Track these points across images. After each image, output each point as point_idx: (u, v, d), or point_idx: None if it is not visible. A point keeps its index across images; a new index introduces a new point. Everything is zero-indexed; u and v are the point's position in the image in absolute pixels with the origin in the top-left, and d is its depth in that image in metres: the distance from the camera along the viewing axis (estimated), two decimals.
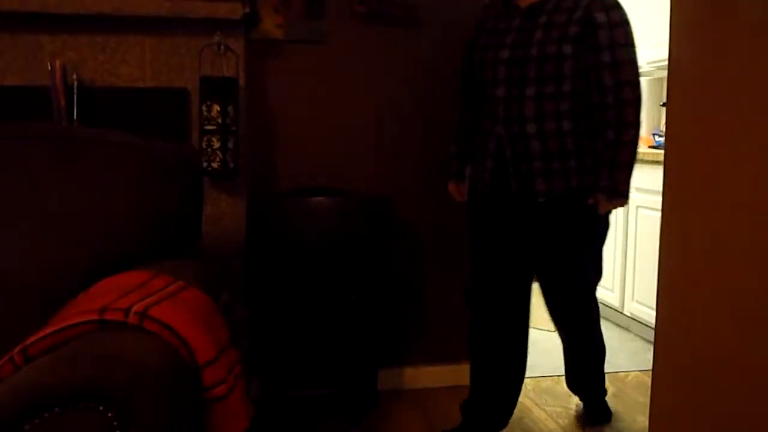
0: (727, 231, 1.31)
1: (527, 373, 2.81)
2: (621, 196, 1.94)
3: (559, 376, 2.81)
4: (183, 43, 2.23)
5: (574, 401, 2.56)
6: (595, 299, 2.27)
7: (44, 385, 0.93)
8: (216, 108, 2.17)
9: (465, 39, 2.17)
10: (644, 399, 2.53)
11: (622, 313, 3.48)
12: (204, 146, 2.18)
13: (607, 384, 2.46)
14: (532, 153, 1.95)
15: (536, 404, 2.54)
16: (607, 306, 3.66)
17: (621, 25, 1.93)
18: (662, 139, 3.34)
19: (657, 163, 3.08)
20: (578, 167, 1.95)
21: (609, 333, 3.44)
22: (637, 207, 3.34)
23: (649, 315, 3.10)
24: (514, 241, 2.08)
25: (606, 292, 3.63)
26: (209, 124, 2.18)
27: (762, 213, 1.21)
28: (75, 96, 2.14)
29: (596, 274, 2.27)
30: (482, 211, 2.12)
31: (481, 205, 2.12)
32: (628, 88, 1.90)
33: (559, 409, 2.50)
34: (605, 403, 2.43)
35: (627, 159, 1.92)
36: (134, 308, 1.14)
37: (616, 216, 3.52)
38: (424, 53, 2.52)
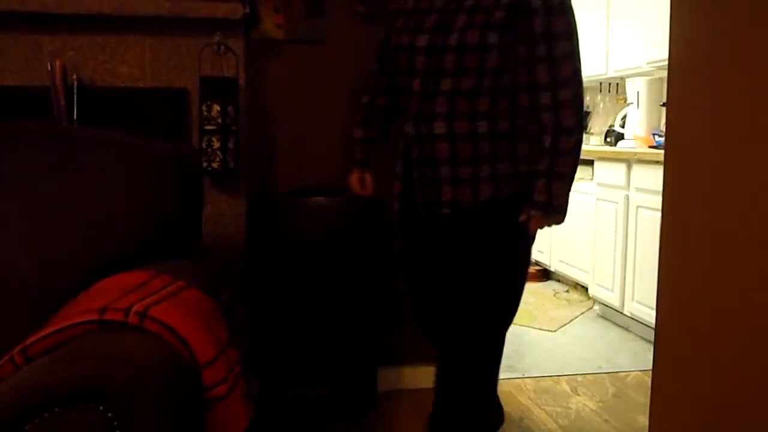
0: (727, 231, 1.31)
1: (527, 373, 2.83)
2: (558, 213, 1.67)
3: (559, 376, 2.82)
4: (183, 43, 2.23)
5: (574, 401, 2.56)
6: (492, 370, 1.87)
7: (44, 385, 0.93)
8: (216, 108, 2.17)
9: None
10: (644, 399, 2.53)
11: (622, 313, 3.48)
12: (204, 146, 2.18)
13: (607, 384, 2.46)
14: (438, 157, 1.68)
15: (536, 404, 2.54)
16: (607, 306, 3.66)
17: (561, 12, 1.61)
18: (662, 139, 3.34)
19: (657, 163, 3.08)
20: (492, 176, 1.68)
21: (609, 333, 3.46)
22: (637, 207, 3.34)
23: (649, 315, 3.10)
24: (427, 258, 1.86)
25: (606, 292, 3.63)
26: (209, 124, 2.18)
27: (762, 212, 1.21)
28: (75, 96, 2.14)
29: (502, 324, 1.83)
30: (401, 218, 1.92)
31: (401, 211, 1.90)
32: (568, 88, 1.61)
33: (559, 409, 2.50)
34: None
35: (567, 169, 1.65)
36: (134, 308, 1.14)
37: (616, 216, 3.52)
38: None
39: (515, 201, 1.70)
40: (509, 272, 1.77)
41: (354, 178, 2.00)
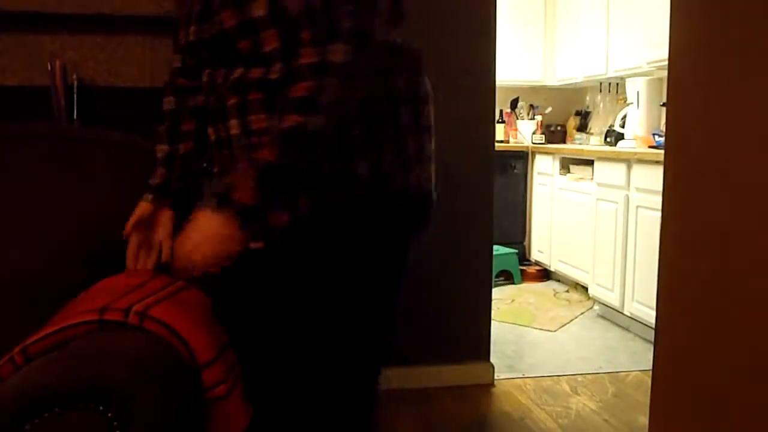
0: (727, 231, 1.31)
1: (527, 373, 2.83)
2: (236, 209, 1.05)
3: (559, 376, 2.82)
4: None
5: (574, 401, 2.56)
6: None
7: (44, 385, 0.93)
8: None
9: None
10: (644, 399, 2.53)
11: (622, 313, 3.48)
12: None
13: (607, 384, 2.46)
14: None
15: (536, 404, 2.54)
16: (607, 306, 3.66)
17: None
18: (662, 139, 3.34)
19: (657, 163, 3.08)
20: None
21: (609, 333, 3.46)
22: (637, 207, 3.34)
23: (649, 315, 3.10)
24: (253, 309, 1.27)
25: (606, 292, 3.63)
26: None
27: (762, 212, 1.21)
28: (75, 96, 2.14)
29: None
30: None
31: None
32: (311, 49, 1.03)
33: (559, 409, 2.50)
34: None
35: (268, 156, 1.04)
36: (134, 308, 1.14)
37: (616, 216, 3.52)
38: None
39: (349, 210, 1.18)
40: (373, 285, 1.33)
41: (141, 213, 1.33)
